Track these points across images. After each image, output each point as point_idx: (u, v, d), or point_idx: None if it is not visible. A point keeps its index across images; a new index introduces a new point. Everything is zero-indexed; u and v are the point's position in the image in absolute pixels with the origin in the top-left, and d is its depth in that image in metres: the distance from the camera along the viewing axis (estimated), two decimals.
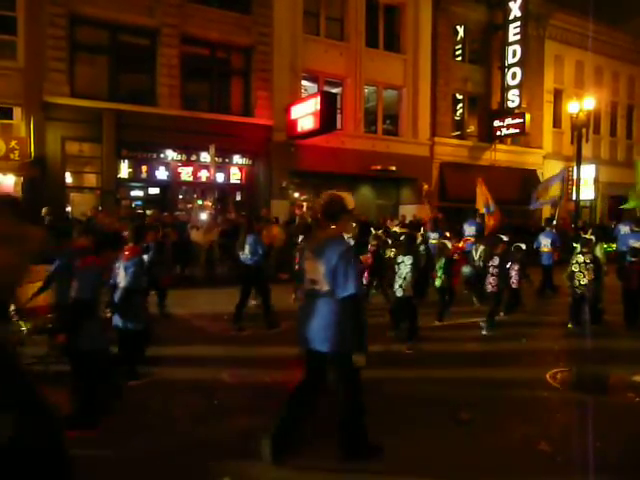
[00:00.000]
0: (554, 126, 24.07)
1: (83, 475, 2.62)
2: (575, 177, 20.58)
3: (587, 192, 23.09)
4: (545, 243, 11.35)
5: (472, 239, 11.78)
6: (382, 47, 19.33)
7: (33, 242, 1.52)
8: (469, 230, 13.07)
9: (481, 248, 10.11)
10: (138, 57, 15.49)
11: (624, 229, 13.32)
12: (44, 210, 11.41)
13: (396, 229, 11.71)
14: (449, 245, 9.08)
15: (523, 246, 9.62)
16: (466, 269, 10.27)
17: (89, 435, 4.05)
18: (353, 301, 3.56)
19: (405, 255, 7.29)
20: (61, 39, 13.91)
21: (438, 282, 8.59)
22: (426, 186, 19.83)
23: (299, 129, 16.33)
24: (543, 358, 6.82)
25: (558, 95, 23.95)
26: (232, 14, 16.15)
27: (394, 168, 18.88)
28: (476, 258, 10.06)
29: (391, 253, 8.96)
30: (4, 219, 1.46)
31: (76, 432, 3.81)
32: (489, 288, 8.23)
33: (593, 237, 9.06)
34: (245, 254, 8.23)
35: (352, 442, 3.80)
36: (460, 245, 11.36)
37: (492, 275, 8.20)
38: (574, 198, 20.80)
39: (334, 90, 17.81)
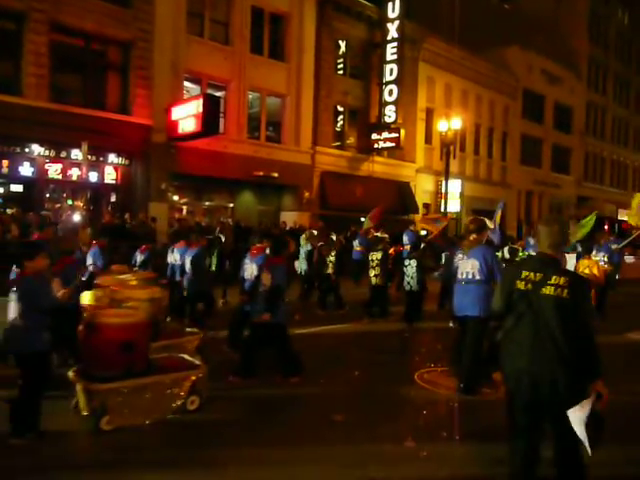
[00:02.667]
0: (426, 142, 25.76)
1: None
2: (444, 191, 22.25)
3: (454, 205, 24.99)
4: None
5: (408, 247, 12.48)
6: (267, 54, 19.50)
7: None
8: (406, 239, 13.74)
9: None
10: (0, 42, 14.19)
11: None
12: None
13: (377, 234, 13.04)
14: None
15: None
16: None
17: (301, 378, 5.96)
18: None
19: (410, 258, 9.79)
20: None
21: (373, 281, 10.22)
22: (307, 194, 20.28)
23: (180, 131, 15.93)
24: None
25: (430, 114, 25.70)
26: (110, 6, 15.36)
27: (276, 175, 19.08)
28: None
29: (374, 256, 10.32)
30: None
31: (295, 378, 5.96)
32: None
33: (519, 247, 10.66)
34: None
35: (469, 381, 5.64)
36: (391, 252, 12.10)
37: None
38: (442, 210, 22.46)
39: (217, 93, 17.62)
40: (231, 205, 19.37)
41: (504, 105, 30.54)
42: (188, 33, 17.18)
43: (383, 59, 22.15)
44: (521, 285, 3.21)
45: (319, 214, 20.35)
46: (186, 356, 5.62)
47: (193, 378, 5.00)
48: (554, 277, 3.13)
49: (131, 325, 4.84)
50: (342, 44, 22.29)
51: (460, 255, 5.90)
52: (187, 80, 17.67)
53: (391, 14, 21.82)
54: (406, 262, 9.91)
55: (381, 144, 22.35)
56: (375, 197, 22.29)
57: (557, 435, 3.13)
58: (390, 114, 22.14)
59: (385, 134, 22.15)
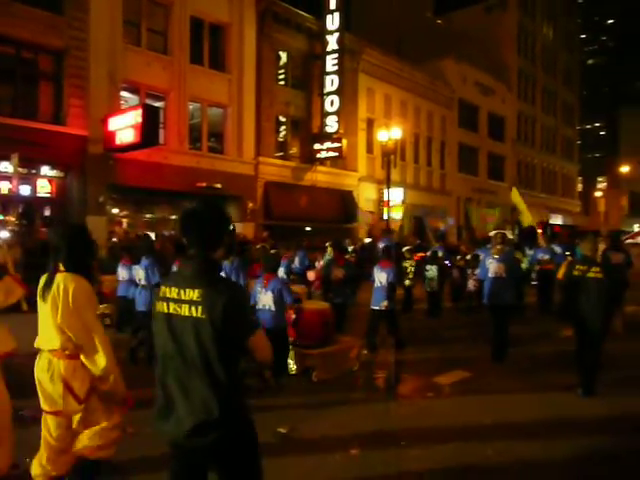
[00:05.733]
0: (367, 152, 26.17)
1: None
2: (386, 199, 22.66)
3: (396, 212, 25.48)
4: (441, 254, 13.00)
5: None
6: (207, 65, 19.30)
7: None
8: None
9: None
10: None
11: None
12: None
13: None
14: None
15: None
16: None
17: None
18: (521, 280, 8.80)
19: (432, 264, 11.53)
20: None
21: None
22: (251, 204, 20.14)
23: (118, 142, 15.48)
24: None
25: (370, 124, 26.15)
26: (42, 13, 14.79)
27: (219, 185, 18.86)
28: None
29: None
30: None
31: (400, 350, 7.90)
32: None
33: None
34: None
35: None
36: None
37: None
38: (385, 218, 22.86)
39: (157, 104, 17.25)
40: (173, 217, 18.96)
41: (441, 115, 31.51)
42: (125, 42, 16.78)
43: (324, 70, 22.39)
44: (576, 272, 5.95)
45: (264, 224, 20.26)
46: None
47: (357, 348, 7.10)
48: (593, 267, 5.85)
49: (325, 310, 7.09)
50: (283, 55, 22.38)
51: (490, 260, 7.77)
52: (125, 90, 17.23)
53: (330, 26, 22.14)
54: (427, 267, 11.53)
55: (324, 154, 22.52)
56: (319, 206, 22.49)
57: (591, 342, 5.83)
58: (332, 124, 22.38)
59: (327, 144, 22.35)
